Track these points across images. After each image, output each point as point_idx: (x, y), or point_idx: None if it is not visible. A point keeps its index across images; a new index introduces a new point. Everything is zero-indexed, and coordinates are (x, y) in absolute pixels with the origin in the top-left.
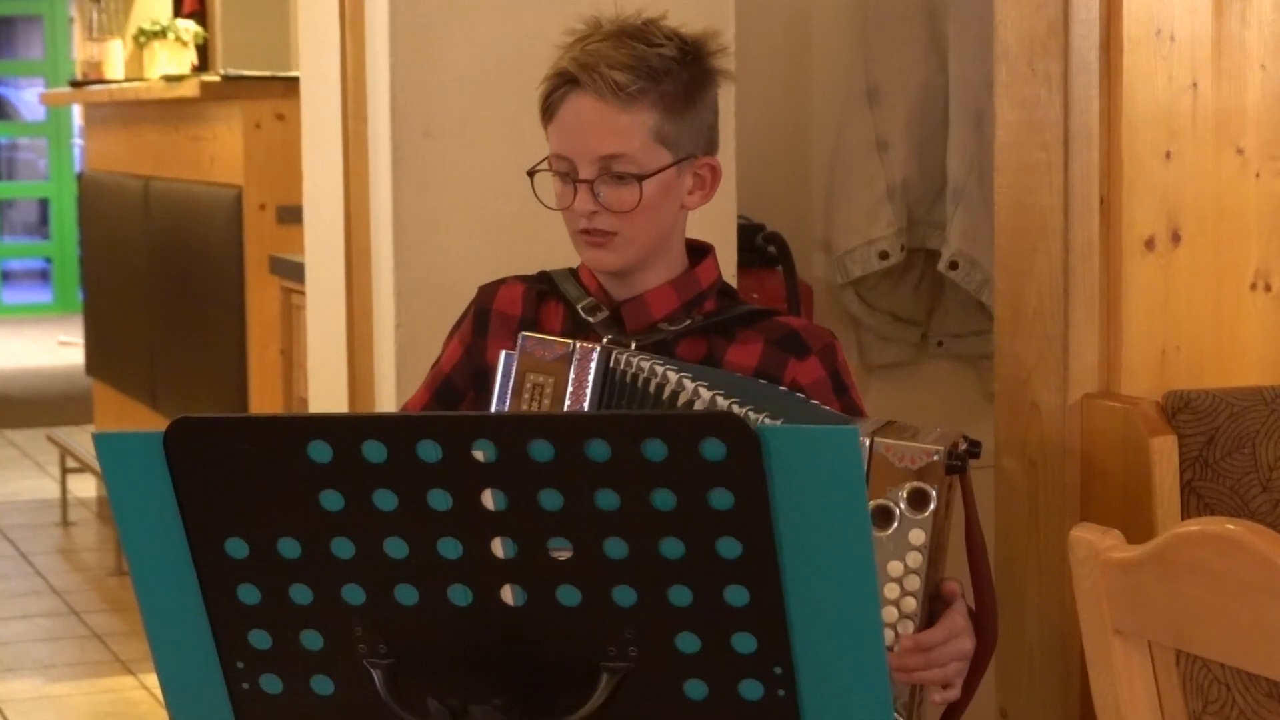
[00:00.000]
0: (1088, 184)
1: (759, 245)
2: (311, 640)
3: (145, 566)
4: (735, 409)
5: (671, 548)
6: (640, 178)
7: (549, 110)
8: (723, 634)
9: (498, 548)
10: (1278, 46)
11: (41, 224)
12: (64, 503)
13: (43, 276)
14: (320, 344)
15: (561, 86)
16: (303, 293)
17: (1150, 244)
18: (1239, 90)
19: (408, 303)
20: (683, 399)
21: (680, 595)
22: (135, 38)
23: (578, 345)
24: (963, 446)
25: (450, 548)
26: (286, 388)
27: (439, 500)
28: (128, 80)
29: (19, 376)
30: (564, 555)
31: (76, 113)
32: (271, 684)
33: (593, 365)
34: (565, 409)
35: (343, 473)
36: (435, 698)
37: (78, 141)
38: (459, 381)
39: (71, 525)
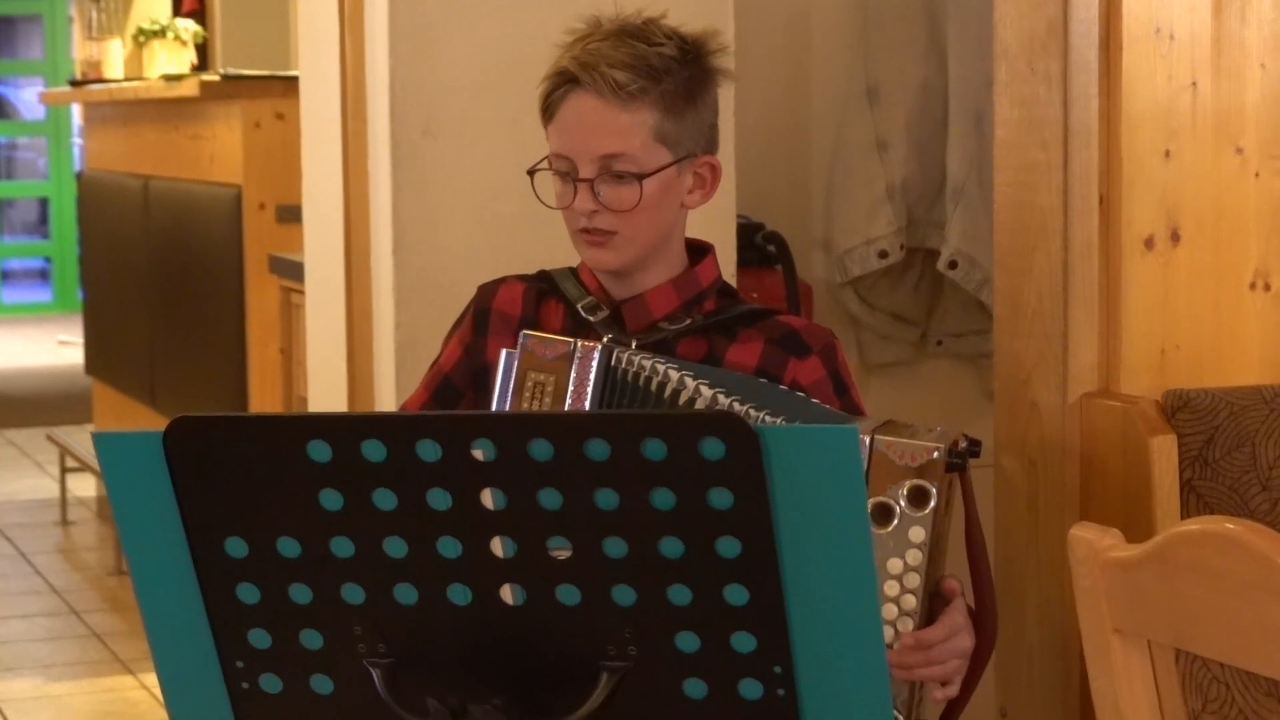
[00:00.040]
0: (1087, 183)
1: (758, 244)
2: (311, 639)
3: (145, 566)
4: (736, 407)
5: (671, 547)
6: (640, 177)
7: (549, 109)
8: (722, 633)
9: (497, 547)
10: (1277, 45)
11: (41, 223)
12: (63, 502)
13: (42, 276)
14: (320, 343)
15: (562, 86)
16: (302, 292)
17: (1150, 243)
18: (1238, 89)
19: (407, 302)
20: (684, 397)
21: (680, 594)
22: (135, 37)
23: (579, 344)
24: (963, 445)
25: (450, 547)
26: (286, 387)
27: (438, 499)
28: (127, 80)
29: (18, 376)
30: (563, 554)
31: (76, 112)
32: (271, 683)
33: (594, 364)
34: (566, 407)
35: (342, 472)
36: (435, 697)
37: (77, 141)
38: (458, 380)
39: (71, 525)
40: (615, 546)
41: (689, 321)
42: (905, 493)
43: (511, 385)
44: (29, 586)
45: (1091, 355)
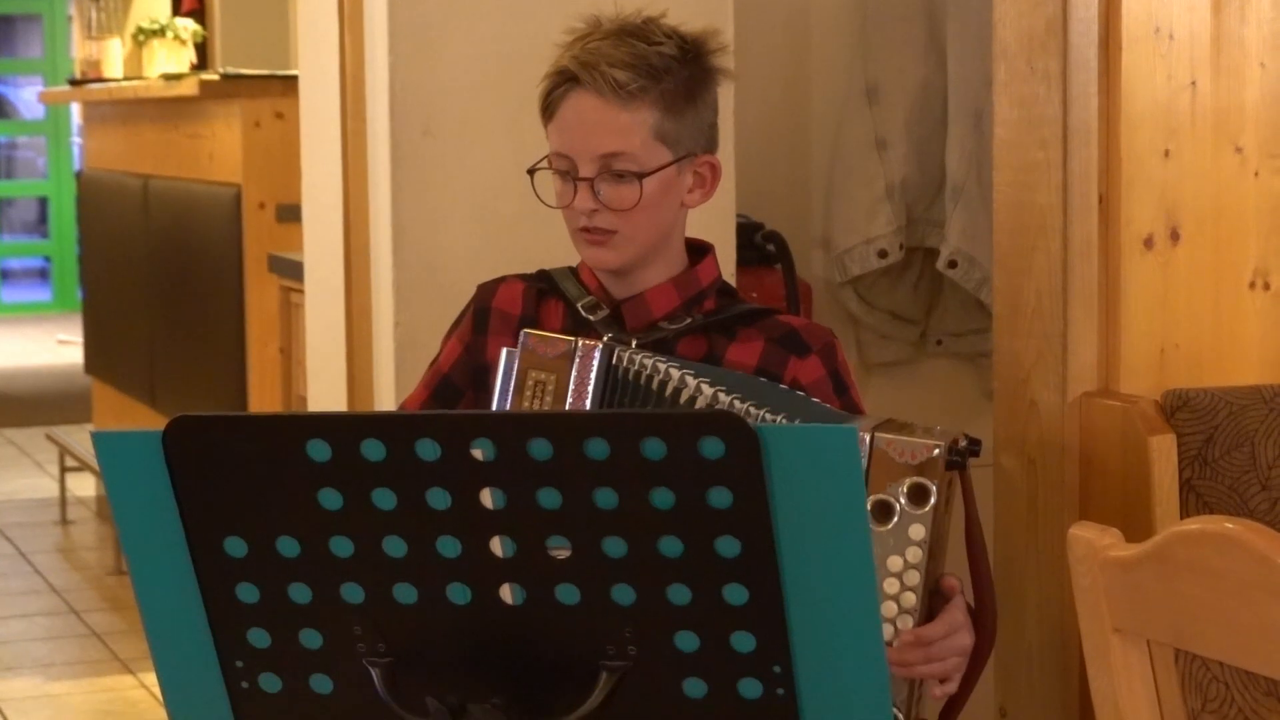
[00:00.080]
0: (1086, 182)
1: (758, 244)
2: (310, 639)
3: (144, 565)
4: (737, 405)
5: (670, 546)
6: (640, 176)
7: (549, 108)
8: (722, 632)
9: (496, 546)
10: (1276, 44)
11: (40, 222)
12: (63, 501)
13: (42, 275)
14: (319, 342)
15: (562, 85)
16: (302, 291)
17: (1149, 242)
18: (1238, 88)
19: (407, 301)
20: (685, 396)
21: (679, 594)
22: (134, 36)
23: (580, 342)
24: (963, 443)
25: (449, 546)
26: (285, 386)
27: (438, 499)
28: (127, 79)
29: (18, 375)
30: (563, 554)
31: (75, 111)
32: (270, 683)
33: (595, 362)
34: (567, 406)
35: (342, 471)
36: (434, 696)
37: (77, 140)
38: (458, 379)
39: (70, 524)
40: (615, 546)
41: (689, 321)
42: (905, 490)
43: (512, 384)
44: (28, 586)
45: (1091, 354)
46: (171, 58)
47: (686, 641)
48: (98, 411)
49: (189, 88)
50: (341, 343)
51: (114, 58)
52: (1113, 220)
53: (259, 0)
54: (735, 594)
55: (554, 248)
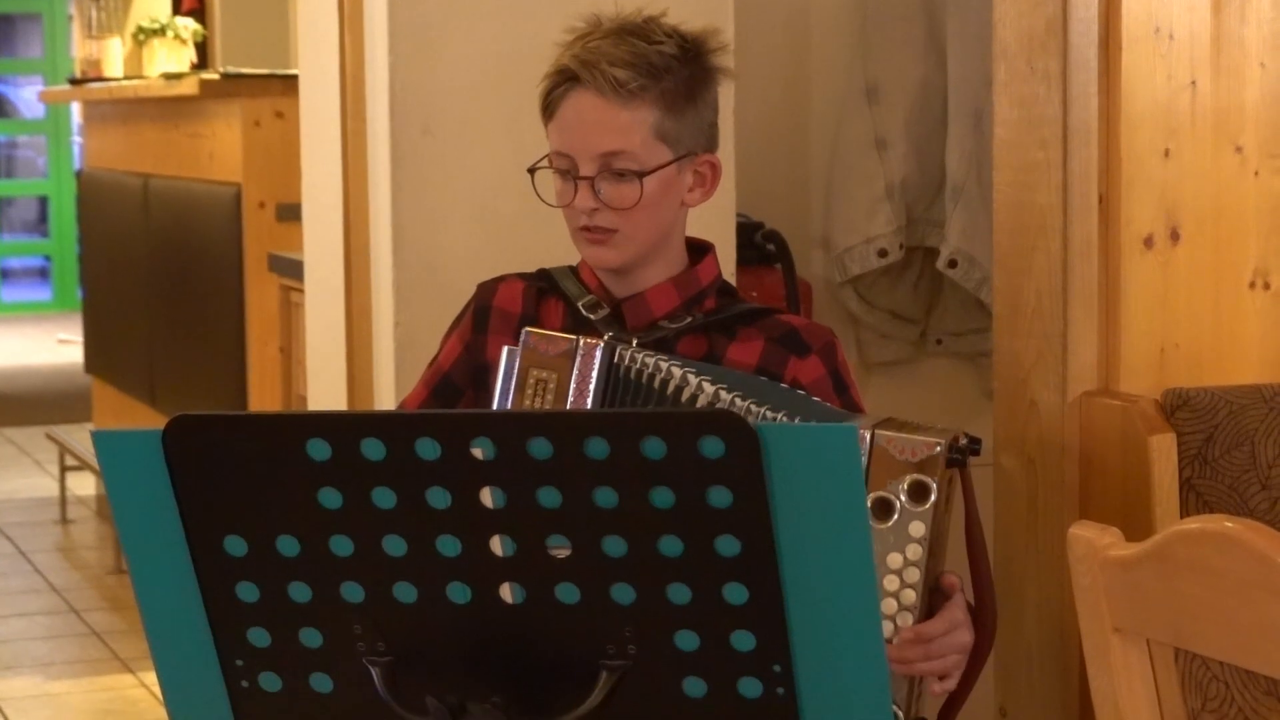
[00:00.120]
0: (1086, 182)
1: (758, 243)
2: (310, 638)
3: (144, 564)
4: (738, 403)
5: (670, 546)
6: (641, 175)
7: (549, 108)
8: (721, 632)
9: (496, 546)
10: (1276, 44)
11: (41, 222)
12: (63, 501)
13: (42, 274)
14: (319, 342)
15: (562, 84)
16: (302, 290)
17: (1149, 242)
18: (1238, 88)
19: (407, 300)
20: (687, 394)
21: (679, 593)
22: (134, 35)
23: (581, 341)
24: (963, 441)
25: (449, 546)
26: (285, 385)
27: (438, 498)
28: (127, 78)
29: (18, 374)
30: (563, 553)
31: (75, 110)
32: (270, 682)
33: (596, 361)
34: (569, 405)
35: (341, 470)
36: (434, 696)
37: (77, 139)
38: (458, 378)
39: (70, 523)
40: (615, 545)
41: (689, 320)
42: (905, 488)
43: (514, 382)
44: (28, 585)
45: (1091, 354)
46: (172, 57)
47: (686, 641)
48: (98, 411)
49: (189, 87)
50: (341, 342)
51: (114, 57)
52: (1113, 220)
53: (259, 0)
54: (735, 593)
55: (554, 247)
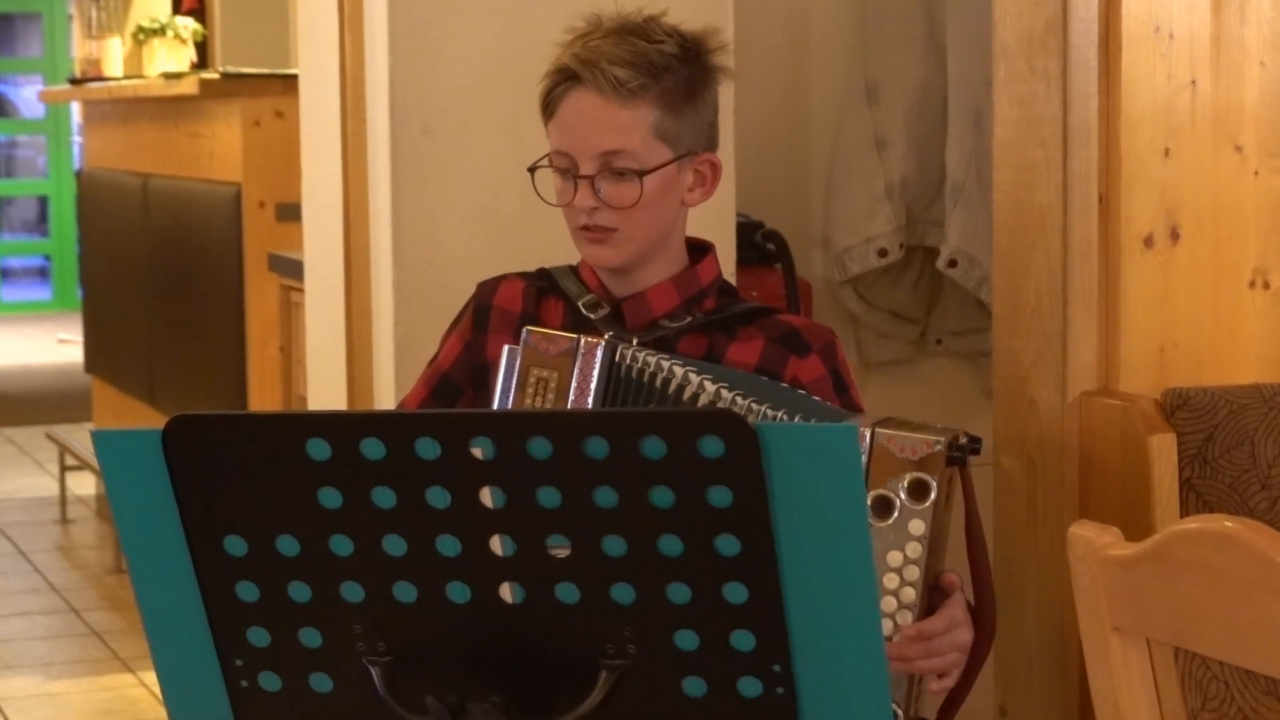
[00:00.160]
0: (1086, 181)
1: (758, 243)
2: (310, 638)
3: (144, 564)
4: (739, 402)
5: (670, 545)
6: (641, 174)
7: (550, 107)
8: (721, 631)
9: (496, 545)
10: (1276, 44)
11: (40, 221)
12: (63, 500)
13: (42, 274)
14: (319, 341)
15: (562, 83)
16: (302, 290)
17: (1149, 241)
18: (1237, 87)
19: (406, 300)
20: (689, 393)
21: (679, 593)
22: (134, 35)
23: (583, 340)
24: (963, 439)
25: (449, 545)
26: (285, 385)
27: (437, 498)
28: (127, 78)
29: (18, 374)
30: (562, 553)
31: (75, 110)
32: (270, 682)
33: (598, 359)
34: (570, 403)
35: (341, 470)
36: (434, 695)
37: (77, 139)
38: (458, 378)
39: (70, 523)
40: (614, 545)
41: (690, 319)
42: (905, 485)
43: (514, 381)
44: (28, 585)
45: (1090, 353)
46: (171, 56)
47: (686, 640)
48: (98, 410)
49: (189, 87)
50: (341, 342)
51: (114, 56)
52: (1112, 219)
53: (259, 0)
54: (735, 593)
55: (554, 246)
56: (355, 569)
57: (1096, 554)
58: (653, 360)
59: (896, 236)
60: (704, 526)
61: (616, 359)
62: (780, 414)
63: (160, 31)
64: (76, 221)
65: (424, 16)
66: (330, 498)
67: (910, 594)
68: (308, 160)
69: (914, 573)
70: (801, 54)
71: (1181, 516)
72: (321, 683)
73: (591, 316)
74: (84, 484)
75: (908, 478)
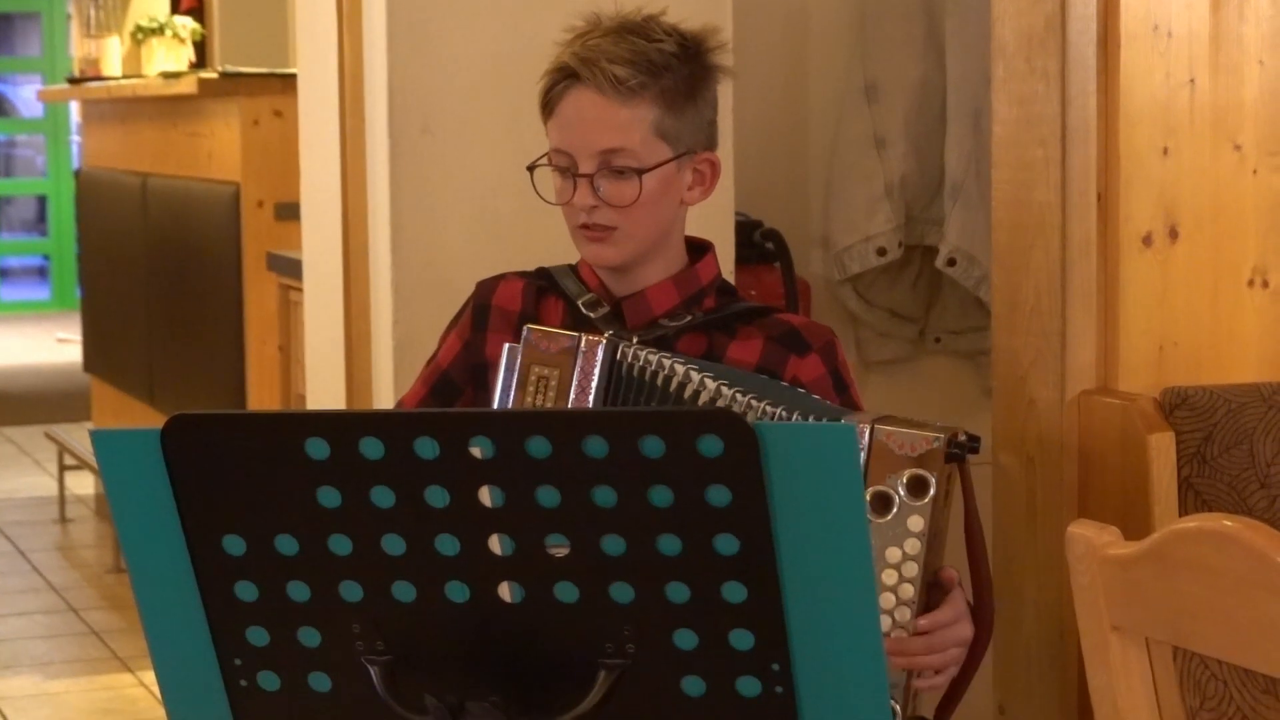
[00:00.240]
0: (1085, 180)
1: (757, 242)
2: (309, 637)
3: (143, 563)
4: (739, 399)
5: (669, 544)
6: (640, 172)
7: (549, 105)
8: (720, 631)
9: (495, 545)
10: (1275, 42)
11: (39, 221)
12: (62, 500)
13: (40, 273)
14: (318, 341)
15: (562, 81)
16: (300, 289)
17: (1148, 240)
18: (1236, 86)
19: (405, 299)
20: (689, 391)
21: (678, 592)
22: (133, 34)
23: (584, 338)
24: (962, 437)
25: (448, 544)
26: (284, 384)
27: (436, 497)
28: (125, 77)
29: (17, 373)
30: (561, 552)
31: (74, 109)
32: (269, 681)
33: (599, 358)
34: (571, 402)
35: (340, 469)
36: (433, 695)
37: (75, 138)
38: (457, 376)
39: (69, 522)
40: (613, 544)
41: (689, 318)
42: (904, 482)
43: (515, 379)
44: (27, 584)
45: (1089, 352)
46: (170, 56)
47: (685, 639)
48: (96, 410)
49: (188, 86)
50: (340, 341)
51: (113, 56)
52: (1111, 218)
53: None
54: (734, 592)
55: (553, 245)
56: (354, 568)
57: (1095, 553)
58: (654, 358)
59: (895, 235)
60: (703, 526)
61: (618, 357)
62: (780, 411)
63: (159, 31)
64: (75, 221)
65: (423, 16)
66: (329, 497)
67: (909, 590)
68: (306, 159)
69: (912, 569)
70: (800, 53)
71: (1180, 515)
72: (320, 682)
73: (591, 315)
74: (83, 483)
75: (907, 474)
